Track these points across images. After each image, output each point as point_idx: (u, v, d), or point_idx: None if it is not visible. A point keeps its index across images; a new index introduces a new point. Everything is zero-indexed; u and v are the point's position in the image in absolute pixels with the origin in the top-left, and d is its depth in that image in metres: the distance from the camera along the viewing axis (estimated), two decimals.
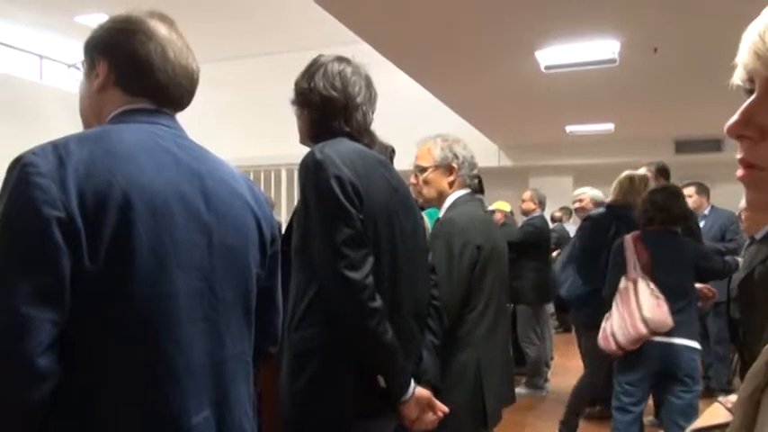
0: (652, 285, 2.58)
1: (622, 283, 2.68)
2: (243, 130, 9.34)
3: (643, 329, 2.53)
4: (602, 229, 3.19)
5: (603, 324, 2.73)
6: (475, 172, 2.02)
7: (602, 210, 3.51)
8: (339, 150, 1.40)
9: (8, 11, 8.37)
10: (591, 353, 3.25)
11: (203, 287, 0.95)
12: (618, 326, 2.62)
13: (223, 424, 0.97)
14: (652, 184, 3.29)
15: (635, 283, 2.62)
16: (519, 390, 4.86)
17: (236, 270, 1.02)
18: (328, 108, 1.47)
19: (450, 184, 1.95)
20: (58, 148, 0.87)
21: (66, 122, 8.96)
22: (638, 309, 2.55)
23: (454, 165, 1.95)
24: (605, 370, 3.24)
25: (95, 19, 8.19)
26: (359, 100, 1.49)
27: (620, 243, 2.78)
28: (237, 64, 9.27)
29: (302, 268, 1.41)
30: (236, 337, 1.01)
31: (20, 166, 0.84)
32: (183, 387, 0.90)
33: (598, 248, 3.10)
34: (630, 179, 3.25)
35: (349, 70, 1.50)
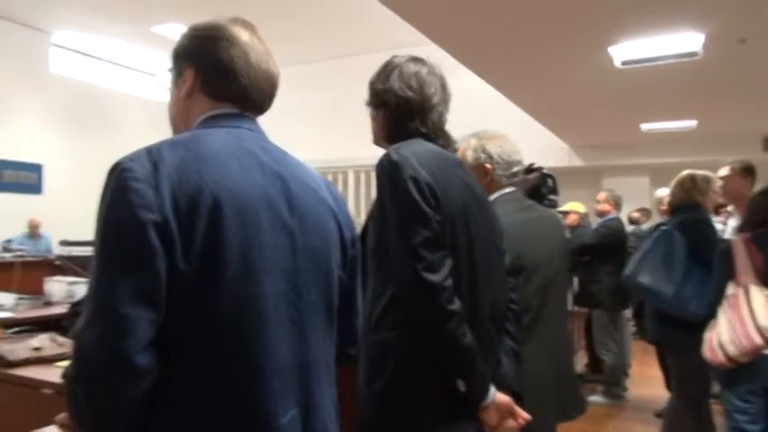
0: (767, 292, 2.37)
1: (730, 289, 2.47)
2: (311, 133, 9.52)
3: (758, 339, 2.32)
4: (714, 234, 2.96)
5: (706, 334, 2.50)
6: (514, 170, 1.90)
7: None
8: (415, 151, 1.40)
9: (92, 24, 8.89)
10: (688, 370, 2.89)
11: (288, 289, 0.97)
12: (727, 336, 2.40)
13: (309, 425, 0.98)
14: (718, 184, 3.08)
15: (746, 289, 2.41)
16: (595, 398, 4.71)
17: (319, 272, 1.03)
18: (404, 109, 1.47)
19: (488, 186, 1.84)
20: (153, 154, 0.90)
21: (146, 128, 9.57)
22: (751, 317, 2.33)
23: (488, 165, 1.86)
24: (704, 390, 2.96)
25: (170, 29, 8.66)
26: (435, 100, 1.49)
27: (728, 246, 2.56)
28: (304, 67, 9.47)
29: (378, 270, 1.41)
30: (320, 338, 1.02)
31: (118, 171, 0.88)
32: (270, 387, 0.92)
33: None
34: (692, 178, 3.03)
35: (425, 71, 1.50)
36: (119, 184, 0.87)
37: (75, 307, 3.75)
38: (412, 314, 1.33)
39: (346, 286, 1.11)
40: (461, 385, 1.36)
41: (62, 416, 1.04)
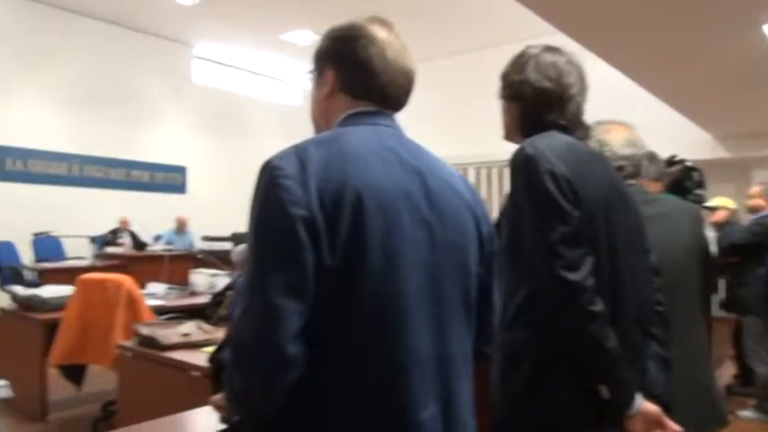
0: None
1: None
2: (435, 129, 9.56)
3: None
4: None
5: None
6: (622, 164, 1.75)
7: None
8: (552, 144, 1.33)
9: (226, 34, 9.56)
10: None
11: (428, 283, 0.96)
12: None
13: (449, 421, 0.97)
14: None
15: None
16: (746, 413, 4.30)
17: (457, 268, 1.02)
18: (542, 100, 1.41)
19: None
20: (300, 152, 0.94)
21: (276, 130, 10.08)
22: None
23: None
24: None
25: (297, 36, 9.06)
26: (573, 91, 1.42)
27: None
28: (425, 65, 9.53)
29: (512, 268, 1.36)
30: (459, 334, 1.01)
31: (269, 170, 0.92)
32: (412, 382, 0.92)
33: None
34: None
35: (562, 60, 1.44)
36: (269, 181, 0.91)
37: (217, 297, 4.05)
38: (551, 315, 1.28)
39: (483, 282, 1.09)
40: (604, 391, 1.28)
41: (217, 397, 1.11)
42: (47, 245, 7.43)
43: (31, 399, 3.84)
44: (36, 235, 7.41)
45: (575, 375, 1.28)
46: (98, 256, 6.83)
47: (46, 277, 5.76)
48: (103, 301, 3.65)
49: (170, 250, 6.92)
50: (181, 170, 9.96)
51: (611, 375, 1.27)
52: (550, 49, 1.46)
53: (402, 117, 1.12)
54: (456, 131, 9.15)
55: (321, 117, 1.13)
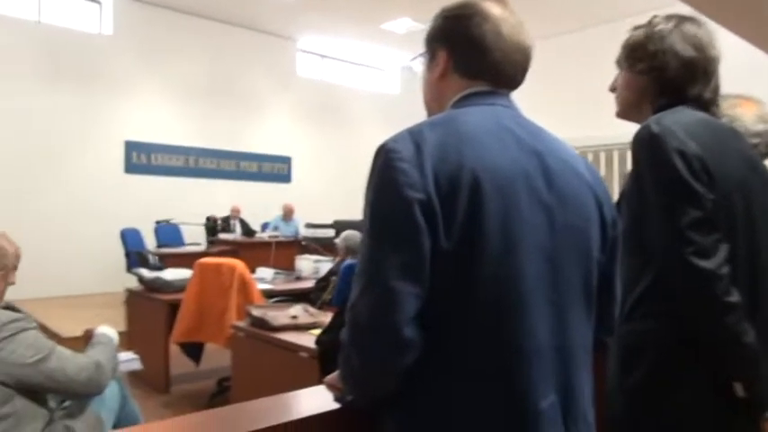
0: None
1: None
2: (550, 111, 9.23)
3: None
4: None
5: None
6: (754, 141, 1.59)
7: None
8: (681, 121, 1.24)
9: (327, 27, 9.77)
10: None
11: (547, 269, 0.93)
12: None
13: (568, 412, 0.93)
14: None
15: None
16: None
17: (578, 252, 0.97)
18: (688, 72, 1.31)
19: None
20: (414, 135, 0.93)
21: (374, 120, 10.17)
22: None
23: None
24: None
25: (398, 24, 9.09)
26: (717, 64, 1.31)
27: None
28: (542, 43, 9.19)
29: (634, 254, 1.27)
30: (579, 322, 0.97)
31: (384, 153, 0.92)
32: (531, 370, 0.89)
33: None
34: None
35: (704, 31, 1.33)
36: (385, 164, 0.91)
37: (321, 282, 4.18)
38: (681, 305, 1.19)
39: (605, 269, 1.03)
40: (739, 390, 1.18)
41: (331, 377, 1.13)
42: (167, 231, 8.02)
43: (156, 372, 4.14)
44: (158, 223, 8.02)
45: (703, 371, 1.19)
46: (212, 243, 7.27)
47: (166, 261, 6.23)
48: (218, 284, 3.88)
49: (276, 237, 7.22)
50: (286, 160, 10.37)
51: (749, 373, 1.17)
52: (689, 19, 1.36)
53: (515, 99, 1.08)
54: (572, 113, 8.77)
55: (433, 100, 1.12)
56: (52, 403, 1.93)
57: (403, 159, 0.89)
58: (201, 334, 3.93)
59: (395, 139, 0.93)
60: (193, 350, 4.17)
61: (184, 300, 3.98)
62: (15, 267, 1.92)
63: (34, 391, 1.76)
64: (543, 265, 0.92)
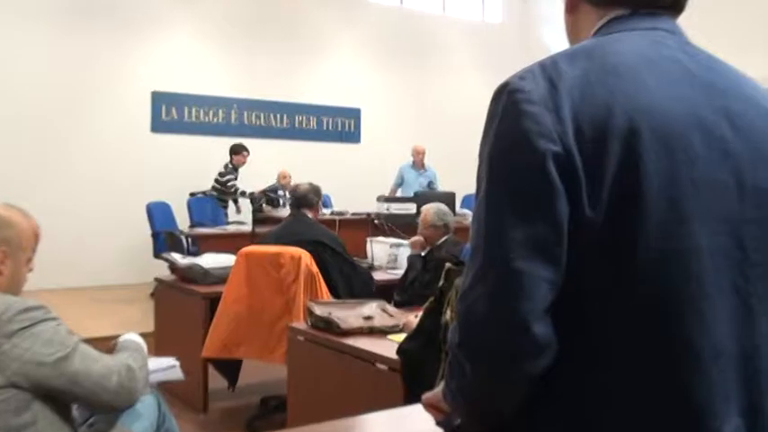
0: None
1: None
2: (719, 36, 8.78)
3: None
4: None
5: None
6: None
7: None
8: None
9: None
10: None
11: (732, 245, 0.91)
12: None
13: None
14: None
15: None
16: None
17: None
18: None
19: None
20: (547, 69, 0.92)
21: (469, 57, 10.05)
22: None
23: None
24: None
25: None
26: None
27: None
28: None
29: None
30: None
31: (506, 93, 0.92)
32: (708, 379, 0.88)
33: None
34: None
35: None
36: (508, 108, 0.90)
37: (411, 281, 4.15)
38: None
39: None
40: None
41: (432, 394, 1.14)
42: (203, 206, 8.23)
43: (191, 386, 4.18)
44: (192, 195, 8.28)
45: None
46: (260, 221, 7.42)
47: (203, 244, 6.40)
48: (274, 280, 3.89)
49: (341, 214, 7.28)
50: (353, 113, 10.47)
51: None
52: None
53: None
54: (758, 39, 8.30)
55: (568, 37, 1.14)
56: (76, 414, 2.04)
57: (532, 101, 0.89)
58: (245, 348, 3.94)
59: (521, 75, 0.93)
60: (229, 368, 4.25)
61: (223, 301, 4.00)
62: (34, 250, 2.03)
63: (54, 398, 1.86)
64: (727, 241, 0.91)
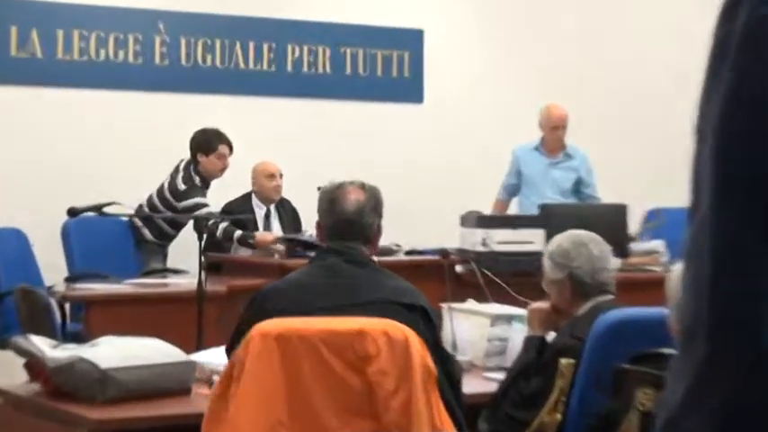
0: None
1: None
2: None
3: None
4: None
5: None
6: None
7: None
8: None
9: None
10: None
11: None
12: None
13: None
14: None
15: None
16: None
17: None
18: None
19: None
20: None
21: None
22: None
23: None
24: None
25: None
26: None
27: None
28: None
29: None
30: None
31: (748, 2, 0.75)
32: None
33: None
34: None
35: None
36: (754, 29, 0.72)
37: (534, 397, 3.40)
38: None
39: None
40: None
41: None
42: (93, 237, 5.35)
43: None
44: (72, 214, 4.88)
45: None
46: (214, 268, 4.94)
47: (90, 316, 4.47)
48: (351, 389, 2.67)
49: (390, 251, 5.07)
50: (409, 40, 6.70)
51: None
52: None
53: None
54: None
55: None
56: None
57: None
58: None
59: None
60: None
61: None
62: None
63: None
64: None
